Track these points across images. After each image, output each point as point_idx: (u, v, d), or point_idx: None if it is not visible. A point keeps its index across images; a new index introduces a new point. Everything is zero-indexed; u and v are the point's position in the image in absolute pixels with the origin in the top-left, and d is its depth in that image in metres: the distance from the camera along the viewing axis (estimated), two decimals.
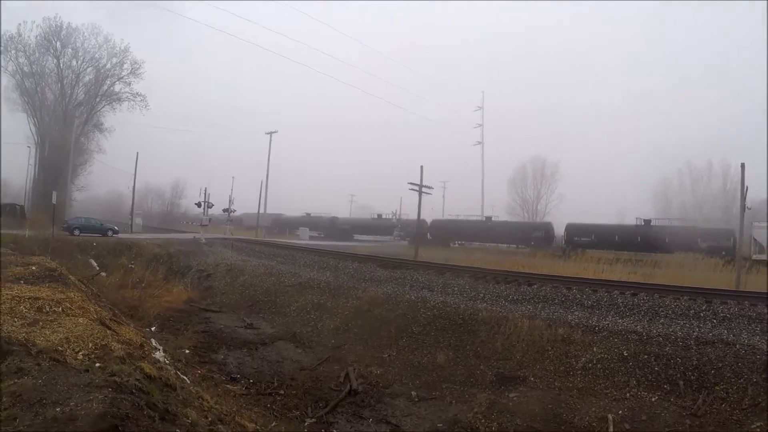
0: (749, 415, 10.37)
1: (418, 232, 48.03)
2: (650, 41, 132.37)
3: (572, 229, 54.72)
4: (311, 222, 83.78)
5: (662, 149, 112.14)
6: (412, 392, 13.67)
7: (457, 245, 64.00)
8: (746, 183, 26.40)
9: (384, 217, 79.60)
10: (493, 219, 67.43)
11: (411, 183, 42.19)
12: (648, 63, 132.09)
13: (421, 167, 41.80)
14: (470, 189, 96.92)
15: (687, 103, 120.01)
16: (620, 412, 11.41)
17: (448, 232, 65.97)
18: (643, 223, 51.01)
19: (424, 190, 42.19)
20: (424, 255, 39.99)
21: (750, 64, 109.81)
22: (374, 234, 74.53)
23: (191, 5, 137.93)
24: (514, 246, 57.73)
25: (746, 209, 26.88)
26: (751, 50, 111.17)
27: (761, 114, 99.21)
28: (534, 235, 58.56)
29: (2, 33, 58.95)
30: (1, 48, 59.31)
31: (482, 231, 63.91)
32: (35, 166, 67.43)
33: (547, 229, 60.76)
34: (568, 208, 79.93)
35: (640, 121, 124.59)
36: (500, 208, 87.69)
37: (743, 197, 26.56)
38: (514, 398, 12.71)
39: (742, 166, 27.31)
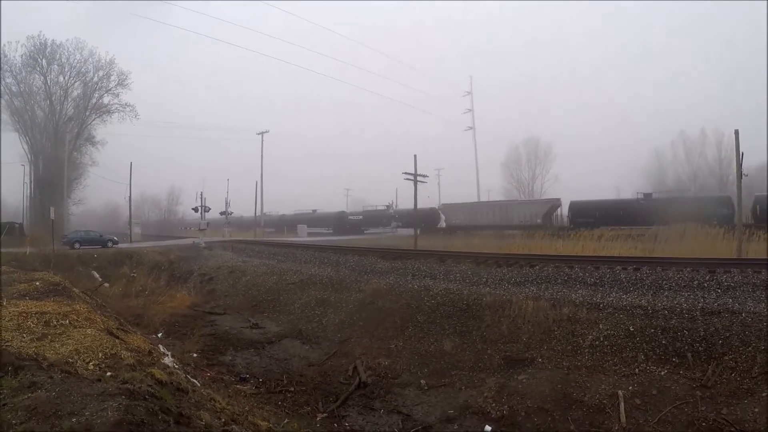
0: (759, 383, 10.36)
1: (417, 220, 47.71)
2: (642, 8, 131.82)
3: (577, 208, 53.44)
4: (319, 218, 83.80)
5: (655, 120, 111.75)
6: (421, 381, 13.73)
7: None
8: (741, 150, 26.32)
9: (379, 208, 78.44)
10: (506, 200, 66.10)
11: (406, 173, 42.07)
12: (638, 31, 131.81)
13: (415, 156, 41.65)
14: (465, 174, 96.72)
15: (678, 71, 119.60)
16: (630, 387, 11.42)
17: (462, 218, 62.42)
18: (643, 197, 50.33)
19: (419, 178, 42.09)
20: (423, 244, 39.98)
21: (741, 31, 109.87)
22: (381, 226, 73.83)
23: (174, 10, 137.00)
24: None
25: (743, 176, 26.78)
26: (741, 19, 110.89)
27: (753, 80, 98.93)
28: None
29: None
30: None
31: (496, 213, 60.92)
32: (30, 183, 67.44)
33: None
34: (563, 187, 79.92)
35: (631, 92, 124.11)
36: (496, 191, 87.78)
37: (739, 165, 26.42)
38: (523, 380, 12.74)
39: (736, 132, 27.14)
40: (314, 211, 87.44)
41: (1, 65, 60.36)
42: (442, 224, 65.10)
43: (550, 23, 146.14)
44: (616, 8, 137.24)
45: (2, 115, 61.33)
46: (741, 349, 11.43)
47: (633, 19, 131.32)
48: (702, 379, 11.06)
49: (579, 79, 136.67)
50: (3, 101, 61.09)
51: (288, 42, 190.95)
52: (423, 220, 54.99)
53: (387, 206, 78.80)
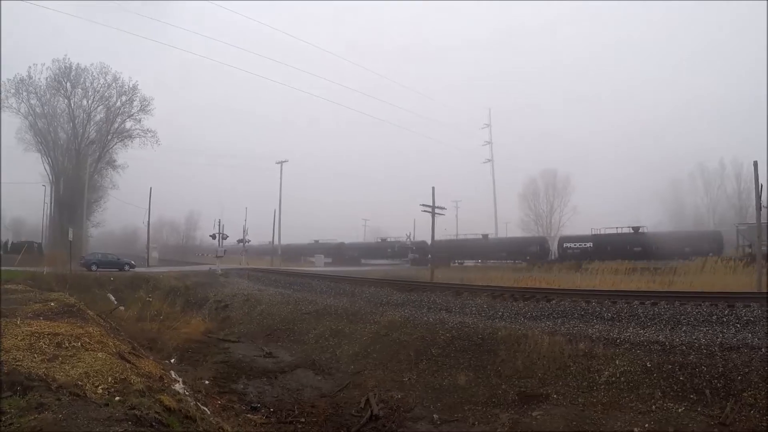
0: None
1: (434, 253, 47.37)
2: (653, 42, 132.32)
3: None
4: (358, 248, 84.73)
5: (672, 150, 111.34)
6: (434, 415, 13.51)
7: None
8: (760, 181, 26.12)
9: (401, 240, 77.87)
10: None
11: (423, 205, 42.10)
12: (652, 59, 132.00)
13: (433, 189, 41.83)
14: (482, 205, 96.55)
15: (695, 99, 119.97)
16: (646, 425, 11.19)
17: None
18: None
19: (436, 211, 42.06)
20: (439, 276, 39.85)
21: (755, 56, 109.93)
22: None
23: (193, 37, 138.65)
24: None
25: (762, 208, 26.50)
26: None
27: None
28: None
29: (13, 77, 60.53)
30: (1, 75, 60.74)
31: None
32: (51, 204, 68.97)
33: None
34: (581, 219, 79.59)
35: (648, 122, 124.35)
36: (513, 224, 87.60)
37: (758, 196, 26.25)
38: (538, 417, 12.52)
39: (755, 164, 27.03)
40: (342, 243, 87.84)
41: (25, 87, 61.80)
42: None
43: (567, 53, 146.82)
44: (633, 38, 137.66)
45: (22, 135, 62.71)
46: (761, 385, 11.18)
47: (652, 49, 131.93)
48: (720, 417, 10.81)
49: (595, 108, 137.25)
50: (27, 122, 62.41)
51: (319, 76, 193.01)
52: (703, 246, 46.47)
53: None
